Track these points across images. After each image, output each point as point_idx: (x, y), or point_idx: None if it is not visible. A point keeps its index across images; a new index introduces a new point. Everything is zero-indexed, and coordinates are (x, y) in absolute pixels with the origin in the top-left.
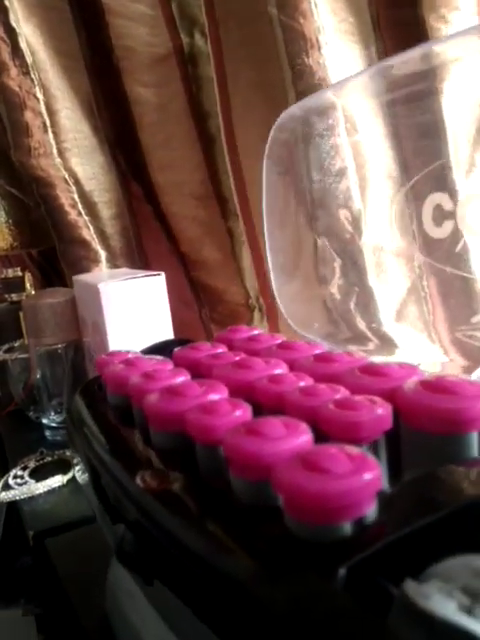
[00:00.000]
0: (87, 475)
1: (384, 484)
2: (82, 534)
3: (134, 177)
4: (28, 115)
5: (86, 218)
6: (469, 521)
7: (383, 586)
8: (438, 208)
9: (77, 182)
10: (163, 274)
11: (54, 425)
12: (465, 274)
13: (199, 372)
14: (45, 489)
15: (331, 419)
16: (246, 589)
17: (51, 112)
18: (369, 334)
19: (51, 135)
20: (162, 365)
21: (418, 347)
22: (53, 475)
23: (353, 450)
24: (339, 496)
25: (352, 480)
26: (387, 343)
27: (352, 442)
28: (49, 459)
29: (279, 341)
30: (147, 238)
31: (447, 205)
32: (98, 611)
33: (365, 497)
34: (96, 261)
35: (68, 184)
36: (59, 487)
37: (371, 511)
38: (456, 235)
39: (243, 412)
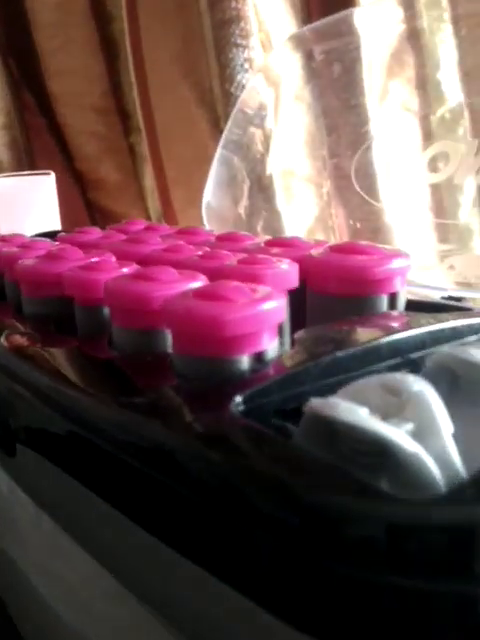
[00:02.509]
0: None
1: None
2: None
3: (27, 85)
4: None
5: None
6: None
7: (281, 425)
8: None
9: None
10: (53, 173)
11: None
12: (373, 202)
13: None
14: None
15: (232, 274)
16: (138, 426)
17: None
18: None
19: None
20: (43, 242)
21: None
22: None
23: (255, 286)
24: (237, 322)
25: (252, 308)
26: None
27: None
28: None
29: (179, 229)
30: (39, 154)
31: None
32: None
33: (265, 327)
34: None
35: None
36: None
37: (273, 347)
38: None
39: (131, 270)
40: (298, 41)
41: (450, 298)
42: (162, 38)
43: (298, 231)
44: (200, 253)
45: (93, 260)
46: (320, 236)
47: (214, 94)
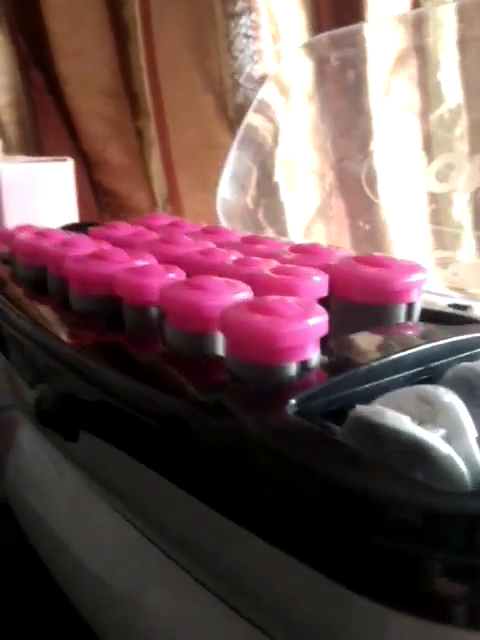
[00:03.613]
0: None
1: None
2: None
3: (36, 64)
4: None
5: None
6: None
7: (326, 425)
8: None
9: None
10: (71, 160)
11: None
12: (373, 198)
13: (123, 247)
14: None
15: (268, 284)
16: (195, 419)
17: None
18: None
19: None
20: (80, 238)
21: None
22: None
23: (301, 300)
24: (287, 336)
25: (300, 322)
26: None
27: None
28: None
29: (204, 226)
30: (46, 133)
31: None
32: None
33: (311, 339)
34: None
35: None
36: None
37: (316, 355)
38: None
39: (178, 274)
40: (312, 48)
41: (456, 306)
42: (174, 24)
43: (300, 221)
44: (234, 258)
45: (140, 264)
46: (319, 226)
47: (223, 83)
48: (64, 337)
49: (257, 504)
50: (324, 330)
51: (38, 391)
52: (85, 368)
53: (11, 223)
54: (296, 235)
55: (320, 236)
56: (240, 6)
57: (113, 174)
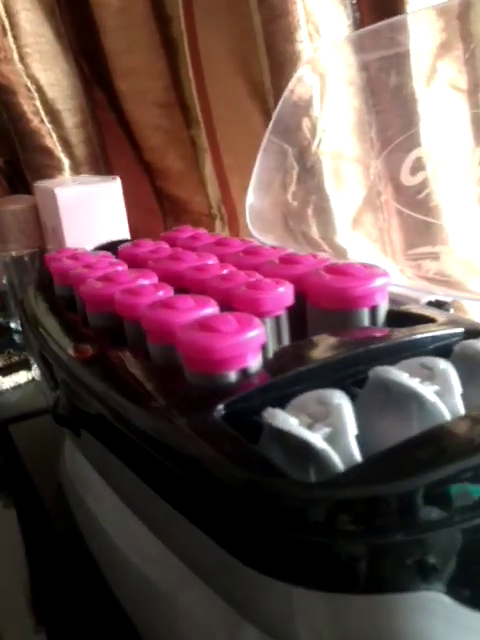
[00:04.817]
0: (37, 357)
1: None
2: (43, 420)
3: (97, 84)
4: None
5: (49, 126)
6: (339, 371)
7: (258, 422)
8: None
9: (39, 89)
10: (118, 178)
11: (21, 330)
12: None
13: (137, 264)
14: (11, 384)
15: (239, 297)
16: (153, 424)
17: (10, 14)
18: (322, 243)
19: (11, 39)
20: (104, 258)
21: (370, 259)
22: (18, 372)
23: (244, 316)
24: (223, 349)
25: (235, 336)
26: (339, 253)
27: (258, 316)
28: (16, 359)
29: (217, 239)
30: (111, 147)
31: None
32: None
33: (247, 350)
34: (59, 169)
35: (30, 91)
36: (25, 383)
37: (255, 362)
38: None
39: (165, 293)
40: (348, 42)
41: (436, 303)
42: (216, 35)
43: (347, 213)
44: (222, 274)
45: (137, 284)
46: (368, 215)
47: (265, 87)
48: (71, 350)
49: (184, 492)
50: (259, 342)
51: (54, 397)
52: (79, 377)
53: (70, 241)
54: (344, 227)
55: (368, 225)
56: (277, 10)
57: (173, 181)
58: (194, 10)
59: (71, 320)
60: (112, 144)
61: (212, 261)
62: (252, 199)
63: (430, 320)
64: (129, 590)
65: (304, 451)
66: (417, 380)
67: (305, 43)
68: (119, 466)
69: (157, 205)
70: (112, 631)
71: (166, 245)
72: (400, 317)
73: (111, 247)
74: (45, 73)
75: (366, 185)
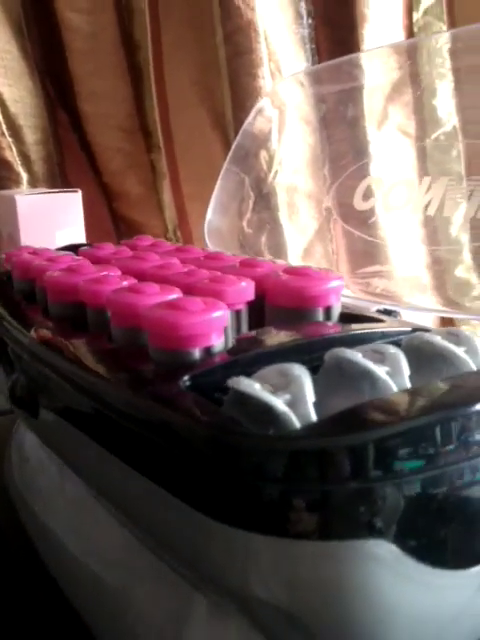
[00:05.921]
0: None
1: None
2: None
3: (61, 105)
4: None
5: (9, 140)
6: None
7: (219, 398)
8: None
9: (2, 103)
10: (79, 191)
11: None
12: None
13: (100, 263)
14: None
15: (203, 289)
16: (119, 397)
17: None
18: None
19: None
20: (66, 256)
21: None
22: None
23: (210, 300)
24: (190, 326)
25: (202, 315)
26: None
27: None
28: None
29: (178, 247)
30: (71, 167)
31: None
32: None
33: (212, 329)
34: (17, 182)
35: None
36: None
37: (219, 343)
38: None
39: (130, 282)
40: (307, 76)
41: (385, 311)
42: (182, 66)
43: (298, 243)
44: (185, 270)
45: (101, 274)
46: (319, 246)
47: (226, 119)
48: (33, 334)
49: (149, 455)
50: (222, 323)
51: (10, 379)
52: (45, 359)
53: None
54: (295, 257)
55: (318, 256)
56: (242, 47)
57: (131, 204)
58: (162, 40)
59: (31, 309)
60: (71, 164)
61: (175, 262)
62: (211, 216)
63: (380, 321)
64: (79, 589)
65: (266, 414)
66: (370, 362)
67: (267, 79)
68: (79, 440)
69: (113, 227)
70: (62, 630)
71: (127, 249)
72: (352, 318)
73: (72, 249)
74: (9, 88)
75: (318, 219)
